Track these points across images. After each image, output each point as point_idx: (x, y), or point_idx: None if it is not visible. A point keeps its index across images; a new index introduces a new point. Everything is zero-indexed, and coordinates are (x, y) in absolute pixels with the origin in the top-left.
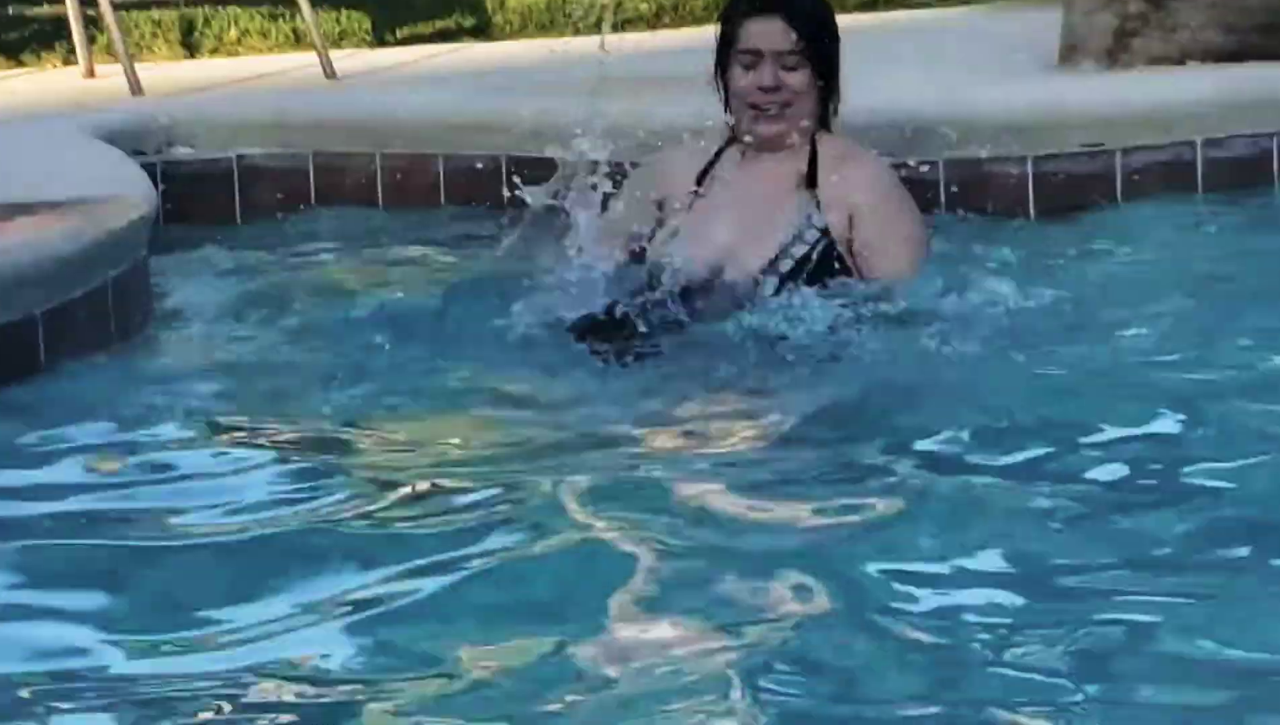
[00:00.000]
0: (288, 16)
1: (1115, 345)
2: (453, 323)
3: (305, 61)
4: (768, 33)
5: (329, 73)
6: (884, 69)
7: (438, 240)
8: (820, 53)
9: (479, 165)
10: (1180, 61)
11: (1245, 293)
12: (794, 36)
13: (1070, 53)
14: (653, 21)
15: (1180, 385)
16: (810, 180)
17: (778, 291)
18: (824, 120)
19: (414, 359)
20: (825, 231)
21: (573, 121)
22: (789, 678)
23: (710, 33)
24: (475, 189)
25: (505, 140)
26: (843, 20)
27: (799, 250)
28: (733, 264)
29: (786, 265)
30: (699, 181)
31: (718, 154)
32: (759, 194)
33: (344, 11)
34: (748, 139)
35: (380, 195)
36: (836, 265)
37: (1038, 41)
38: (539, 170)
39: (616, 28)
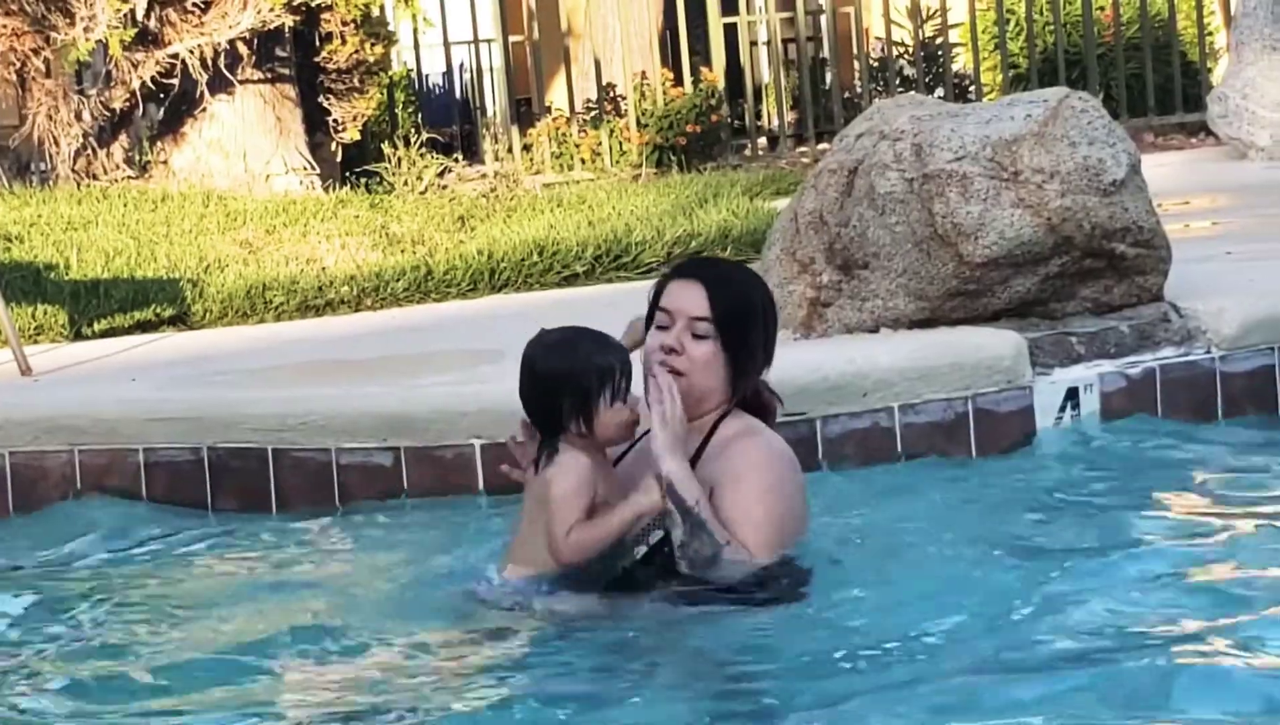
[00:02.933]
0: None
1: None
2: None
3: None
4: (685, 295)
5: (24, 369)
6: None
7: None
8: (733, 329)
9: (180, 458)
10: (874, 329)
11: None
12: (709, 305)
13: None
14: (355, 304)
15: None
16: (693, 462)
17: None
18: (756, 403)
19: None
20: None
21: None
22: None
23: (400, 314)
24: (177, 483)
25: (205, 432)
26: (538, 296)
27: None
28: None
29: (656, 536)
30: (631, 445)
31: None
32: (649, 470)
33: (39, 306)
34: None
35: (80, 492)
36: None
37: None
38: (241, 460)
39: (319, 311)
